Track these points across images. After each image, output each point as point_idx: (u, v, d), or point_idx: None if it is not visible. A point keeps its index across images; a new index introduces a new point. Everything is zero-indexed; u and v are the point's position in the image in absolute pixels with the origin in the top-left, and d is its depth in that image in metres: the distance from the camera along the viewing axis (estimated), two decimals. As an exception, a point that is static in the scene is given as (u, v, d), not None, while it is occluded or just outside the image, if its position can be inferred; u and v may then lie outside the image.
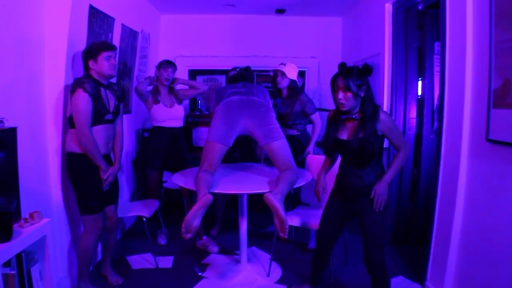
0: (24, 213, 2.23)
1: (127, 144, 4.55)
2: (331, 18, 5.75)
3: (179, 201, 4.37)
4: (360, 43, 4.94)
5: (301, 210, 3.57)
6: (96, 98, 2.72)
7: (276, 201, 2.56)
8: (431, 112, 3.81)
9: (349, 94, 2.41)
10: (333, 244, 2.85)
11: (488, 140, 2.40)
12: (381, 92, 4.06)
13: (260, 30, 5.71)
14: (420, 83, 3.91)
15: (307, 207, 3.80)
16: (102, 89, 2.82)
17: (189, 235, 2.60)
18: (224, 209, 4.50)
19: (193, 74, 5.88)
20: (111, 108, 2.89)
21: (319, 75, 5.78)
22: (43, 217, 2.29)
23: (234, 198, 4.84)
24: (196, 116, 5.37)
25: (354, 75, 2.41)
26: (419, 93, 3.92)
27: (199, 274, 3.39)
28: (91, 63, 2.77)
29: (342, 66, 2.54)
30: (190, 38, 5.70)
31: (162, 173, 4.12)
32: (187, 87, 4.25)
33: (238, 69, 3.78)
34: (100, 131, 2.81)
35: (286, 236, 2.60)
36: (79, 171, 2.82)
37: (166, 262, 3.64)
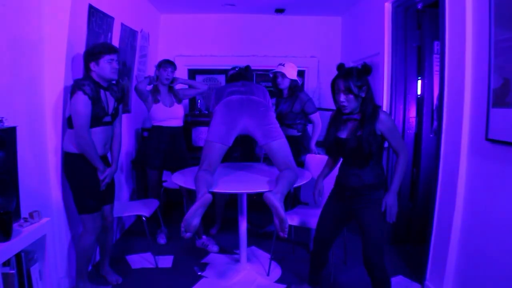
0: (24, 213, 2.23)
1: (127, 143, 4.55)
2: (330, 18, 5.74)
3: (179, 200, 4.38)
4: (359, 43, 4.94)
5: (301, 210, 3.57)
6: (95, 101, 2.72)
7: (275, 201, 2.56)
8: (431, 112, 3.81)
9: (351, 96, 2.41)
10: (330, 244, 2.85)
11: (487, 139, 2.40)
12: (380, 92, 4.06)
13: (259, 29, 5.71)
14: (419, 82, 3.91)
15: (306, 206, 3.81)
16: (102, 91, 2.82)
17: (188, 235, 2.59)
18: (224, 209, 4.50)
19: (193, 73, 5.88)
20: (110, 110, 2.89)
21: (319, 75, 5.78)
22: (43, 216, 2.29)
23: (234, 198, 4.84)
24: (196, 116, 5.37)
25: (354, 76, 2.40)
26: (419, 92, 3.92)
27: (199, 273, 3.39)
28: (92, 65, 2.76)
29: (341, 67, 2.53)
30: (189, 37, 5.69)
31: (161, 172, 4.12)
32: (186, 86, 4.25)
33: (237, 69, 3.79)
34: (98, 133, 2.81)
35: (286, 236, 2.60)
36: (76, 171, 2.82)
37: (166, 261, 3.64)
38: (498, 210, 2.34)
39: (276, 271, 3.43)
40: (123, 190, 4.44)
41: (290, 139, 3.89)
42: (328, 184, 2.88)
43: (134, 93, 4.54)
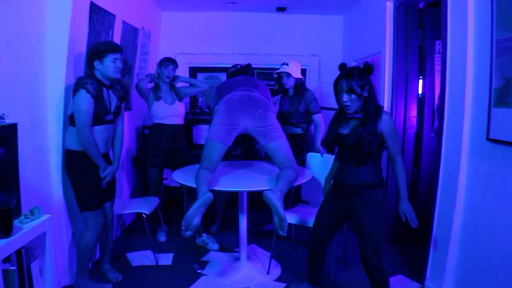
0: (25, 209, 2.22)
1: (127, 141, 4.55)
2: (332, 16, 5.73)
3: (179, 198, 4.38)
4: (361, 42, 4.94)
5: (301, 208, 3.57)
6: (98, 99, 2.73)
7: (275, 199, 2.56)
8: (432, 111, 3.81)
9: (354, 96, 2.41)
10: (327, 243, 2.85)
11: (488, 139, 2.40)
12: (381, 91, 4.06)
13: (261, 28, 5.70)
14: (420, 81, 3.91)
15: (307, 205, 3.81)
16: (105, 90, 2.83)
17: (189, 233, 2.59)
18: (224, 207, 4.50)
19: (194, 71, 5.88)
20: (112, 109, 2.89)
21: (320, 73, 5.78)
22: (43, 213, 2.30)
23: (234, 196, 4.84)
24: (197, 114, 5.37)
25: (357, 76, 2.40)
26: (420, 91, 3.92)
27: (199, 271, 3.39)
28: (96, 63, 2.77)
29: (343, 67, 2.53)
30: (190, 35, 5.69)
31: (162, 170, 4.12)
32: (188, 85, 4.25)
33: (238, 66, 3.79)
34: (100, 131, 2.82)
35: (285, 234, 2.60)
36: (78, 168, 2.83)
37: (166, 259, 3.64)
38: (499, 210, 2.34)
39: (276, 270, 3.44)
40: (123, 188, 4.44)
41: (294, 137, 3.89)
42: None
43: (135, 91, 4.54)
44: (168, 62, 3.93)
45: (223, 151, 3.05)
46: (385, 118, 2.44)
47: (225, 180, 3.06)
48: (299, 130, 4.05)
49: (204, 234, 4.01)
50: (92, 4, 3.22)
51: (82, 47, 3.15)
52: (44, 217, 2.22)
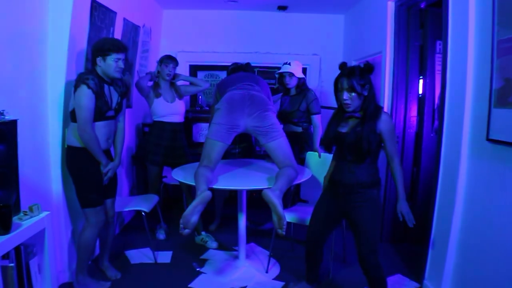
0: (24, 206, 2.22)
1: (127, 138, 4.54)
2: (333, 16, 5.73)
3: (179, 196, 4.38)
4: (362, 41, 4.93)
5: (301, 207, 3.57)
6: (99, 95, 2.73)
7: (274, 198, 2.56)
8: (432, 111, 3.81)
9: (354, 94, 2.42)
10: (323, 242, 2.85)
11: (488, 139, 2.39)
12: (382, 90, 4.06)
13: (262, 26, 5.70)
14: (421, 81, 3.91)
15: (306, 204, 3.81)
16: (106, 86, 2.83)
17: (187, 231, 2.59)
18: (223, 205, 4.50)
19: (194, 69, 5.87)
20: (114, 105, 2.89)
21: (321, 73, 5.77)
22: (43, 210, 2.29)
23: (233, 194, 4.85)
24: (197, 112, 5.36)
25: (358, 75, 2.41)
26: (420, 91, 3.92)
27: (198, 269, 3.40)
28: (98, 60, 2.77)
29: (343, 66, 2.54)
30: (191, 33, 5.69)
31: (162, 168, 4.12)
32: (188, 83, 4.25)
33: (238, 64, 3.79)
34: (101, 127, 2.82)
35: (284, 233, 2.60)
36: (79, 164, 2.83)
37: (165, 257, 3.64)
38: (498, 210, 2.34)
39: (275, 268, 3.44)
40: (123, 185, 4.44)
41: (294, 136, 3.89)
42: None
43: (135, 89, 4.54)
44: (169, 60, 3.92)
45: (223, 150, 3.05)
46: (384, 118, 2.44)
47: (224, 178, 3.06)
48: (299, 129, 4.05)
49: (203, 233, 4.01)
50: (93, 1, 3.21)
51: (83, 44, 3.15)
52: (43, 214, 2.22)
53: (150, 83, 3.99)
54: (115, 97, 2.91)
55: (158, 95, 3.92)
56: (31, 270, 2.10)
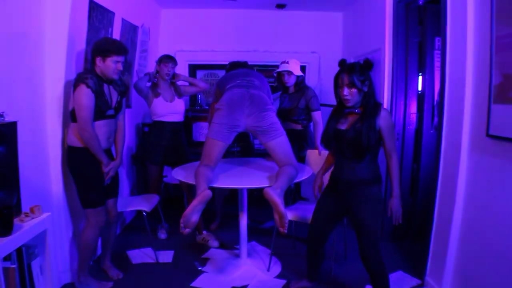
0: (25, 207, 2.23)
1: (127, 138, 4.53)
2: (331, 13, 5.72)
3: (179, 195, 4.38)
4: (360, 38, 4.92)
5: (301, 205, 3.57)
6: (98, 94, 2.73)
7: (276, 196, 2.56)
8: (432, 108, 3.80)
9: (354, 90, 2.42)
10: (325, 240, 2.85)
11: (488, 135, 2.39)
12: (381, 87, 4.05)
13: (260, 25, 5.69)
14: (420, 78, 3.90)
15: (307, 202, 3.81)
16: (105, 85, 2.83)
17: (187, 230, 2.59)
18: (223, 204, 4.50)
19: (193, 68, 5.87)
20: (114, 104, 2.89)
21: (320, 70, 5.76)
22: (44, 211, 2.29)
23: (234, 193, 4.84)
24: (197, 111, 5.36)
25: (358, 71, 2.42)
26: (420, 88, 3.91)
27: (199, 268, 3.40)
28: (98, 60, 2.76)
29: (342, 62, 2.55)
30: (190, 32, 5.68)
31: (162, 167, 4.11)
32: (188, 83, 4.25)
33: (236, 61, 3.80)
34: (101, 126, 2.82)
35: (286, 231, 2.60)
36: (80, 165, 2.83)
37: (166, 256, 3.65)
38: (499, 206, 2.34)
39: (277, 267, 3.44)
40: (123, 185, 4.44)
41: (294, 133, 3.89)
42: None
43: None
44: (168, 59, 3.92)
45: (223, 149, 3.05)
46: (384, 115, 2.44)
47: (224, 177, 3.06)
48: (298, 127, 4.05)
49: (204, 232, 4.01)
50: (91, 1, 3.21)
51: (81, 45, 3.15)
52: (45, 215, 2.22)
53: (149, 84, 3.99)
54: (114, 96, 2.91)
55: (157, 95, 3.91)
56: (33, 271, 2.11)
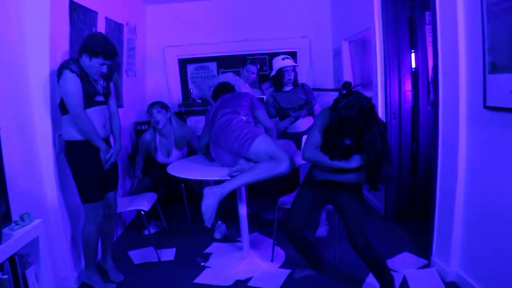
0: (16, 216, 2.17)
1: (122, 138, 4.47)
2: (319, -5, 5.63)
3: (178, 192, 4.33)
4: (350, 19, 4.82)
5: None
6: (84, 78, 2.68)
7: (205, 190, 2.73)
8: (427, 84, 3.74)
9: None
10: (304, 230, 2.82)
11: (486, 107, 2.34)
12: (374, 67, 3.99)
13: (248, 13, 5.59)
14: (413, 55, 3.83)
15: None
16: None
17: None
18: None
19: (183, 63, 5.80)
20: (101, 89, 2.84)
21: (311, 55, 5.67)
22: (37, 217, 2.24)
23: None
24: (190, 105, 5.29)
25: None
26: (413, 65, 3.84)
27: (202, 264, 3.36)
28: (84, 55, 2.70)
29: (347, 86, 2.54)
30: (177, 27, 5.60)
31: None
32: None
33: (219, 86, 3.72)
34: (94, 113, 2.77)
35: (209, 226, 2.73)
36: (78, 158, 2.79)
37: (168, 254, 3.61)
38: (501, 178, 2.29)
39: (280, 256, 3.40)
40: (120, 185, 4.38)
41: (296, 137, 3.80)
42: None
43: (125, 88, 4.50)
44: (150, 106, 4.02)
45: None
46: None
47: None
48: (299, 128, 3.98)
49: (218, 221, 4.00)
50: (71, 2, 3.13)
51: (65, 46, 3.08)
52: (35, 222, 2.17)
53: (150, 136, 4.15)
54: (100, 81, 2.85)
55: (155, 150, 4.07)
56: (28, 280, 2.05)
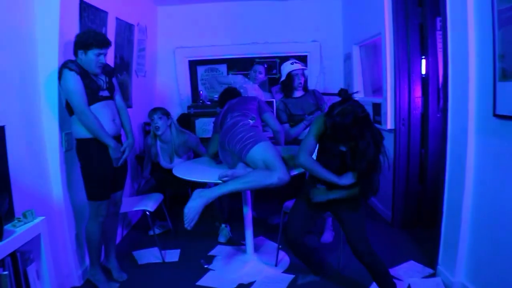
0: (19, 213, 2.17)
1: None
2: (330, 0, 5.60)
3: (184, 192, 4.32)
4: (361, 24, 4.80)
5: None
6: (84, 75, 2.68)
7: (193, 194, 2.72)
8: (437, 91, 3.70)
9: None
10: (303, 236, 2.79)
11: (495, 115, 2.30)
12: (384, 72, 3.96)
13: (259, 16, 5.58)
14: (424, 61, 3.80)
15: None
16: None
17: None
18: (230, 200, 4.41)
19: (194, 64, 5.79)
20: (104, 85, 2.84)
21: (322, 59, 5.64)
22: (42, 215, 2.25)
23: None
24: (199, 107, 5.28)
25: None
26: (423, 71, 3.81)
27: (205, 266, 3.34)
28: (80, 53, 2.71)
29: (343, 93, 2.52)
30: (188, 28, 5.61)
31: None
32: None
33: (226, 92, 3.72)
34: (100, 108, 2.76)
35: (189, 228, 2.71)
36: (88, 156, 2.80)
37: (173, 255, 3.60)
38: (509, 188, 2.25)
39: (285, 261, 3.37)
40: (127, 185, 4.39)
41: None
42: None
43: (135, 89, 4.51)
44: (152, 112, 4.02)
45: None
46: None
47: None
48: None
49: (223, 225, 3.98)
50: (81, 2, 3.15)
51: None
52: (38, 219, 2.17)
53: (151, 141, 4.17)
54: (102, 77, 2.85)
55: (155, 156, 4.10)
56: (29, 277, 2.05)
